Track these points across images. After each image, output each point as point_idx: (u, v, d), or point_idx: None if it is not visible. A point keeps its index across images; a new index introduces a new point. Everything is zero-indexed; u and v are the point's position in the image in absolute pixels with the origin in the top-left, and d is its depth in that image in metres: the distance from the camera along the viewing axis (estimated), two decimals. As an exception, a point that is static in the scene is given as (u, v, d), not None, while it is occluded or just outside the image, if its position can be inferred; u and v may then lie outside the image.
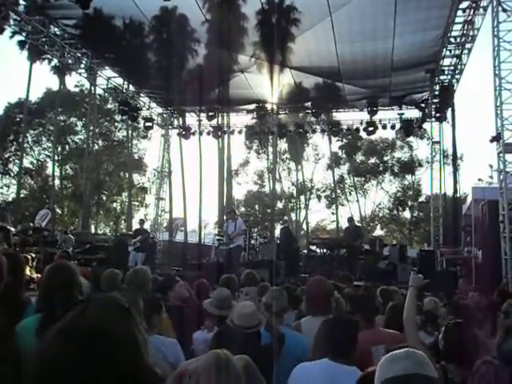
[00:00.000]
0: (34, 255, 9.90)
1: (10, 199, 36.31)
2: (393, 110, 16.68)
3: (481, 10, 10.97)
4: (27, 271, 8.08)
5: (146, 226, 15.03)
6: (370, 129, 16.45)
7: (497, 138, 9.35)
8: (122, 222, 41.54)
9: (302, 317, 3.94)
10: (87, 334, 0.88)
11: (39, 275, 8.49)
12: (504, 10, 9.31)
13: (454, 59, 13.59)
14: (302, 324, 3.71)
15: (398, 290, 5.77)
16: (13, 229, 12.85)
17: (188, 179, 47.50)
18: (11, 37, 27.64)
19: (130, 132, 37.75)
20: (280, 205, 41.86)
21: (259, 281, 5.96)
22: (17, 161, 36.20)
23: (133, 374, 0.89)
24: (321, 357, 2.73)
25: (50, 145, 37.94)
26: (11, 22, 12.55)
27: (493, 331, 4.51)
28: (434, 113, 16.01)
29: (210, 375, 1.78)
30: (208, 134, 18.53)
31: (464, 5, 11.07)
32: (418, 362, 1.41)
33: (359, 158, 40.93)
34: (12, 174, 37.56)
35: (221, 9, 11.95)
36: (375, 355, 2.86)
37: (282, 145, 38.51)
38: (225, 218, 15.19)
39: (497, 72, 9.37)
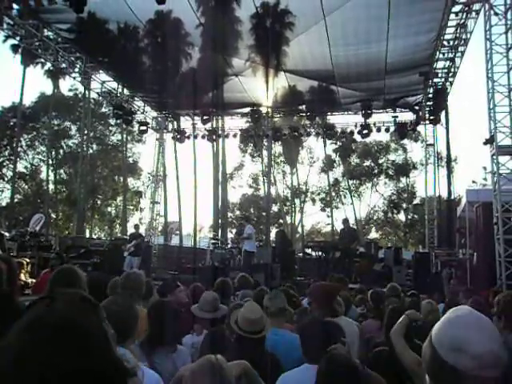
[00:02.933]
0: (28, 260, 9.86)
1: (3, 204, 36.25)
2: (387, 112, 16.72)
3: (473, 13, 11.04)
4: (22, 276, 8.06)
5: (141, 230, 15.01)
6: (365, 132, 16.46)
7: (490, 141, 9.36)
8: (117, 226, 41.45)
9: None
10: (56, 329, 0.83)
11: (34, 280, 8.46)
12: (496, 14, 9.36)
13: (448, 62, 13.64)
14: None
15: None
16: (6, 233, 12.80)
17: (183, 183, 47.45)
18: (4, 41, 27.65)
19: (124, 136, 37.73)
20: (275, 208, 41.87)
21: (253, 284, 5.96)
22: (11, 165, 36.10)
23: (105, 368, 0.85)
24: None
25: (44, 149, 37.86)
26: (4, 26, 12.51)
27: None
28: (427, 115, 16.07)
29: (203, 380, 1.80)
30: (203, 137, 18.52)
31: (457, 8, 11.12)
32: None
33: (354, 160, 41.06)
34: (6, 179, 37.49)
35: (215, 12, 11.95)
36: None
37: (277, 148, 38.58)
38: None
39: (489, 75, 9.39)
